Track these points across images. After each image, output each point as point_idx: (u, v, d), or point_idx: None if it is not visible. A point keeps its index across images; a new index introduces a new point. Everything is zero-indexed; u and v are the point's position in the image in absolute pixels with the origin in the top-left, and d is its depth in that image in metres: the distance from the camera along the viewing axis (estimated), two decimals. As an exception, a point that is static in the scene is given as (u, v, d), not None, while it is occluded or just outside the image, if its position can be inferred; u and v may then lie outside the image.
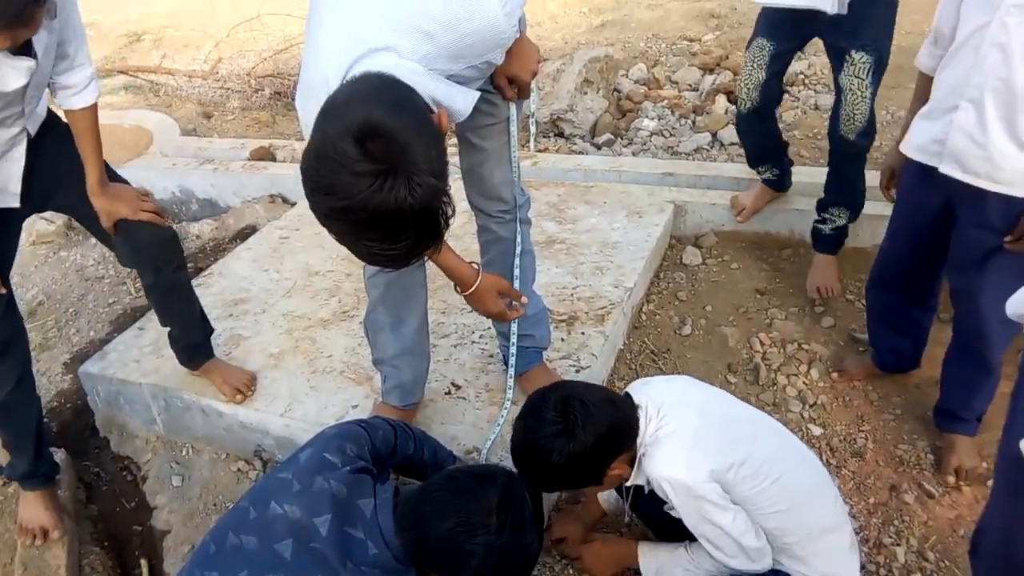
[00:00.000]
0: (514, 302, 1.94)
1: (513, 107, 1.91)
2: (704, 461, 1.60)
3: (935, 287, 2.30)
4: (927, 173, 2.01)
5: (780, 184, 3.14)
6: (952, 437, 2.26)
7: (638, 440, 1.65)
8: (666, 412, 1.65)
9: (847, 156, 2.74)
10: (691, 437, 1.62)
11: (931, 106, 2.00)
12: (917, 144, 2.04)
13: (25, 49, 1.66)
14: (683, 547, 1.80)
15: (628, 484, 1.73)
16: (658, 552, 1.88)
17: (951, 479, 2.22)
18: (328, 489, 1.50)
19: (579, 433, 1.56)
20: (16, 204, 1.96)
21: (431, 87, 1.46)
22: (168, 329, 2.38)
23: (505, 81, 1.80)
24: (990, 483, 2.17)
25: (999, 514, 1.54)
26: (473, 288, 1.83)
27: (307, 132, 1.55)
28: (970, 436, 2.24)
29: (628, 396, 1.71)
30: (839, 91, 2.60)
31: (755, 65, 2.76)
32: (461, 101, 1.57)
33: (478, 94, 1.62)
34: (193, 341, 2.40)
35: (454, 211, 1.36)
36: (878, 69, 2.53)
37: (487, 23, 1.49)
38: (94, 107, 1.93)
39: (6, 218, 2.01)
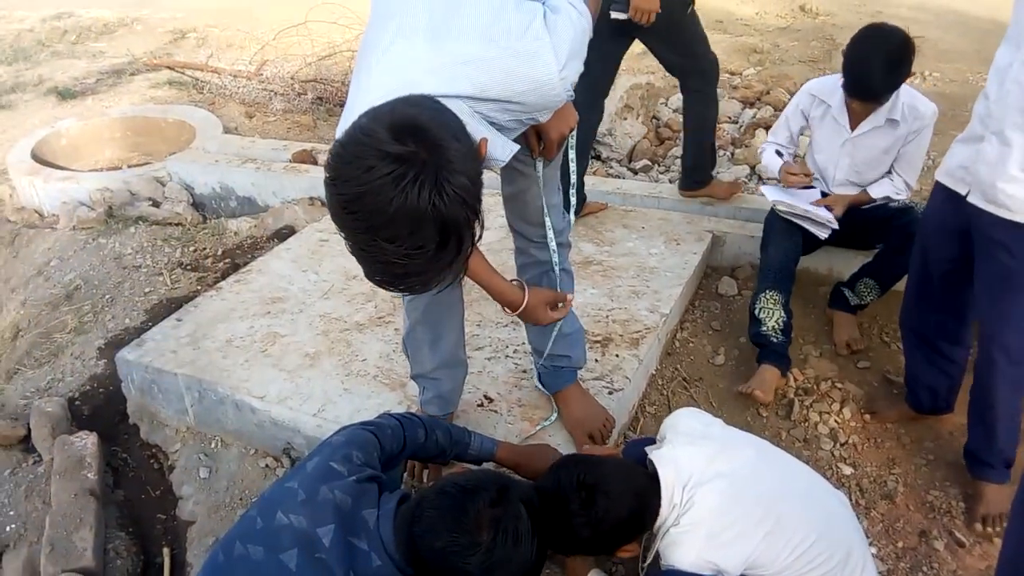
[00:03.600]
0: (560, 304, 1.95)
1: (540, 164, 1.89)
2: (714, 561, 1.64)
3: (964, 316, 2.28)
4: (950, 196, 2.08)
5: (785, 362, 2.65)
6: (982, 484, 2.25)
7: (656, 523, 1.69)
8: (689, 495, 1.66)
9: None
10: (705, 533, 1.64)
11: (965, 133, 2.06)
12: (947, 168, 2.11)
13: None
14: None
15: (643, 564, 1.78)
16: None
17: (978, 527, 2.20)
18: (332, 499, 1.49)
19: (600, 524, 1.61)
20: None
21: (474, 127, 1.42)
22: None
23: (535, 136, 1.79)
24: None
25: (1012, 539, 1.55)
26: (523, 308, 1.84)
27: None
28: (1000, 484, 2.23)
29: (653, 470, 1.71)
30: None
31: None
32: (500, 150, 1.55)
33: (517, 147, 1.59)
34: (702, 161, 3.33)
35: (482, 230, 1.29)
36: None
37: (541, 84, 1.48)
38: None
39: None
